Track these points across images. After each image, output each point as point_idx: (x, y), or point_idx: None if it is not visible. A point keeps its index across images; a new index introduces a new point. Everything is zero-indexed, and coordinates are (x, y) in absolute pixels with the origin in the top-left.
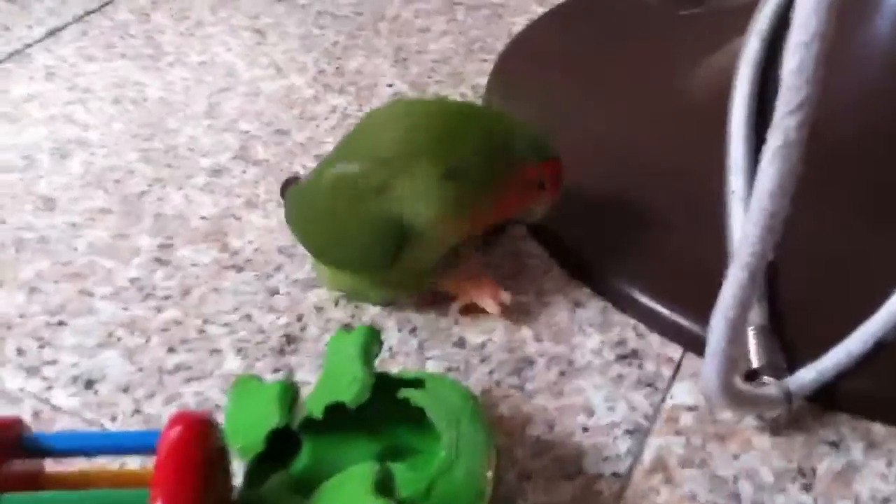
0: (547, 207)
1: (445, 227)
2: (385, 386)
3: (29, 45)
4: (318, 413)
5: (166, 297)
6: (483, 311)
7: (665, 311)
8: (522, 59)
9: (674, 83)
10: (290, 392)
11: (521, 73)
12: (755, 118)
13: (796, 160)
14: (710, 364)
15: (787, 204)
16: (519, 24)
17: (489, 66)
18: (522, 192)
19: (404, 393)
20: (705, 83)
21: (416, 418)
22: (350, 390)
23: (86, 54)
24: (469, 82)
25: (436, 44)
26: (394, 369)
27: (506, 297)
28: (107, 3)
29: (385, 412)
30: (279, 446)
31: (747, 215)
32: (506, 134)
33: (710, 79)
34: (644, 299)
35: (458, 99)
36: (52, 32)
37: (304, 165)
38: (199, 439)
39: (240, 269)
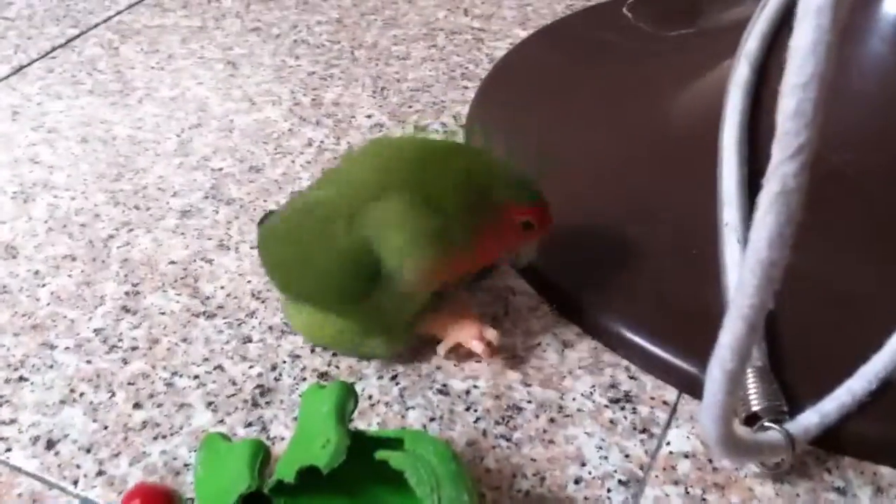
0: (535, 250)
1: (419, 264)
2: (362, 445)
3: None
4: (290, 477)
5: (133, 349)
6: (469, 352)
7: (658, 351)
8: (505, 85)
9: (661, 109)
10: (260, 452)
11: (503, 100)
12: (747, 146)
13: (795, 207)
14: (707, 414)
15: (787, 252)
16: (501, 49)
17: (471, 94)
18: (507, 235)
19: (382, 455)
20: (693, 109)
21: (396, 478)
22: (324, 454)
23: (52, 92)
24: (450, 111)
25: (415, 71)
26: (374, 419)
27: (492, 334)
28: (74, 38)
29: (362, 472)
30: None
31: (744, 264)
32: (487, 174)
33: (698, 104)
34: (636, 339)
35: (439, 128)
36: (17, 70)
37: (277, 203)
38: None
39: (211, 316)
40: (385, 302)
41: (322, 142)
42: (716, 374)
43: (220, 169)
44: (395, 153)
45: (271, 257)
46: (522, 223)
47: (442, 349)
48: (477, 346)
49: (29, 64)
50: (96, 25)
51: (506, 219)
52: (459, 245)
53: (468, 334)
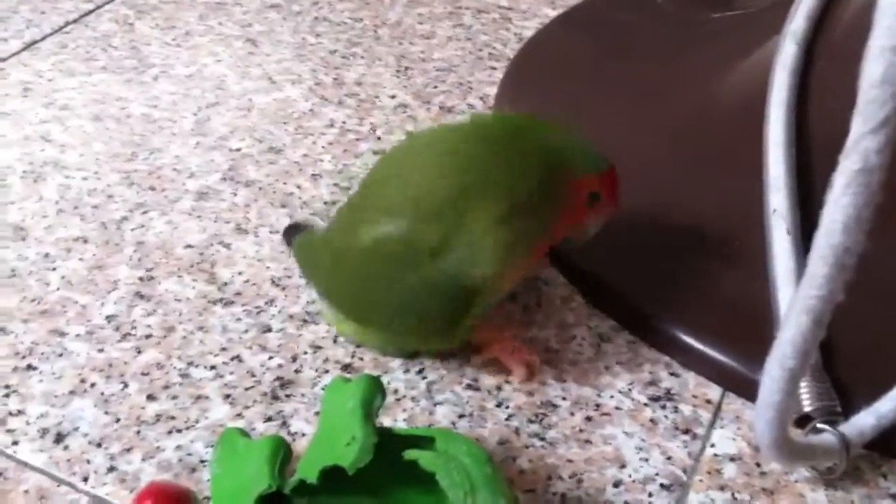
0: (601, 224)
1: (508, 275)
2: (390, 443)
3: (4, 60)
4: (312, 478)
5: (147, 337)
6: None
7: (701, 347)
8: (534, 67)
9: (700, 92)
10: (281, 450)
11: (532, 82)
12: (795, 129)
13: (875, 187)
14: (762, 415)
15: (863, 238)
16: (529, 28)
17: (499, 75)
18: (577, 211)
19: (412, 454)
20: (735, 93)
21: (426, 480)
22: (349, 452)
23: (65, 68)
24: (477, 92)
25: (441, 51)
26: (400, 415)
27: (535, 360)
28: (88, 13)
29: (390, 473)
30: None
31: (813, 251)
32: (555, 148)
33: (741, 88)
34: (677, 333)
35: (466, 110)
36: (29, 45)
37: (298, 185)
38: None
39: (228, 304)
40: (470, 316)
41: (344, 122)
42: (774, 373)
43: (239, 149)
44: (461, 152)
45: (337, 294)
46: (590, 195)
47: (479, 361)
48: (519, 373)
49: (41, 39)
50: (111, 0)
51: (575, 194)
52: (540, 235)
53: (511, 356)
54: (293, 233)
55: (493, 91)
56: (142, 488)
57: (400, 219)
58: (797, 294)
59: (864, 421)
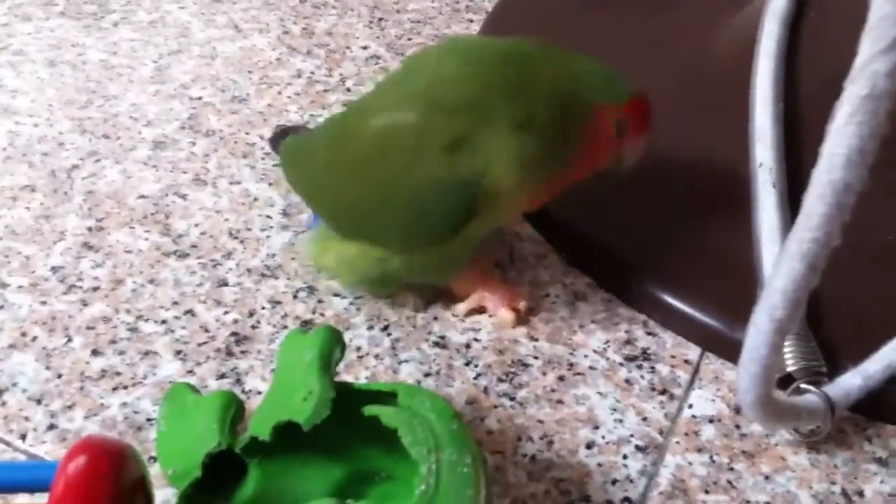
0: (639, 153)
1: (521, 191)
2: (349, 399)
3: None
4: (265, 435)
5: (94, 290)
6: (484, 311)
7: (680, 305)
8: (514, 18)
9: (688, 45)
10: (232, 406)
11: (512, 34)
12: (783, 82)
13: (883, 116)
14: (746, 372)
15: (865, 175)
16: None
17: (476, 27)
18: (604, 141)
19: (372, 410)
20: (727, 43)
21: (388, 437)
22: (305, 408)
23: (21, 13)
24: None
25: (416, 2)
26: (362, 373)
27: (522, 304)
28: None
29: (349, 430)
30: (219, 472)
31: (811, 188)
32: (583, 75)
33: (733, 38)
34: (655, 291)
35: None
36: None
37: (261, 136)
38: (107, 476)
39: (182, 256)
40: (464, 236)
41: (312, 73)
42: (762, 324)
43: (200, 98)
44: (480, 60)
45: (325, 196)
46: (618, 124)
47: (464, 308)
48: (507, 316)
49: None
50: None
51: (601, 122)
52: (561, 162)
53: (499, 299)
54: (282, 136)
55: None
56: (75, 443)
57: (414, 108)
58: (790, 238)
59: (851, 382)
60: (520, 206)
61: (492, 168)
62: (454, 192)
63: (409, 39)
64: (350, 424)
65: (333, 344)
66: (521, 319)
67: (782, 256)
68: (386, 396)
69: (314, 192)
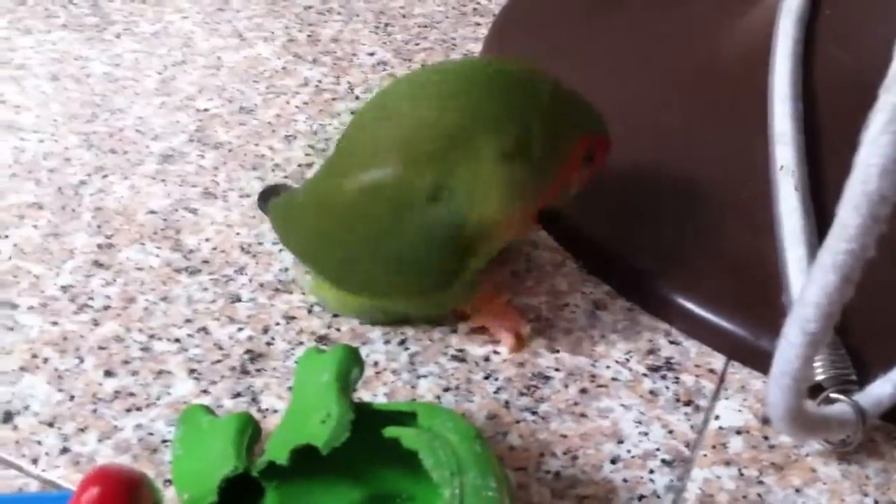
0: (580, 188)
1: (512, 221)
2: (368, 420)
3: None
4: (282, 459)
5: (105, 308)
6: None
7: (703, 313)
8: (521, 21)
9: (703, 43)
10: (249, 428)
11: (520, 38)
12: (801, 81)
13: None
14: (777, 385)
15: None
16: None
17: (483, 31)
18: (572, 169)
19: (392, 432)
20: (740, 42)
21: (408, 459)
22: (323, 430)
23: (22, 26)
24: (461, 49)
25: (423, 6)
26: (380, 389)
27: (526, 329)
28: None
29: (368, 452)
30: (236, 496)
31: (845, 199)
32: (568, 101)
33: (746, 37)
34: (678, 299)
35: None
36: None
37: (270, 147)
38: None
39: (194, 272)
40: (467, 271)
41: (320, 81)
42: (793, 337)
43: (206, 110)
44: (458, 91)
45: (315, 257)
46: (586, 155)
47: (466, 328)
48: (507, 340)
49: None
50: None
51: (578, 149)
52: (545, 183)
53: (501, 323)
54: (269, 196)
55: (477, 48)
56: (88, 473)
57: (390, 163)
58: (823, 249)
59: (881, 390)
60: (509, 230)
61: (478, 203)
62: (442, 239)
63: (417, 44)
64: (369, 446)
65: (351, 363)
66: (522, 346)
67: (815, 268)
68: (406, 417)
69: (308, 256)
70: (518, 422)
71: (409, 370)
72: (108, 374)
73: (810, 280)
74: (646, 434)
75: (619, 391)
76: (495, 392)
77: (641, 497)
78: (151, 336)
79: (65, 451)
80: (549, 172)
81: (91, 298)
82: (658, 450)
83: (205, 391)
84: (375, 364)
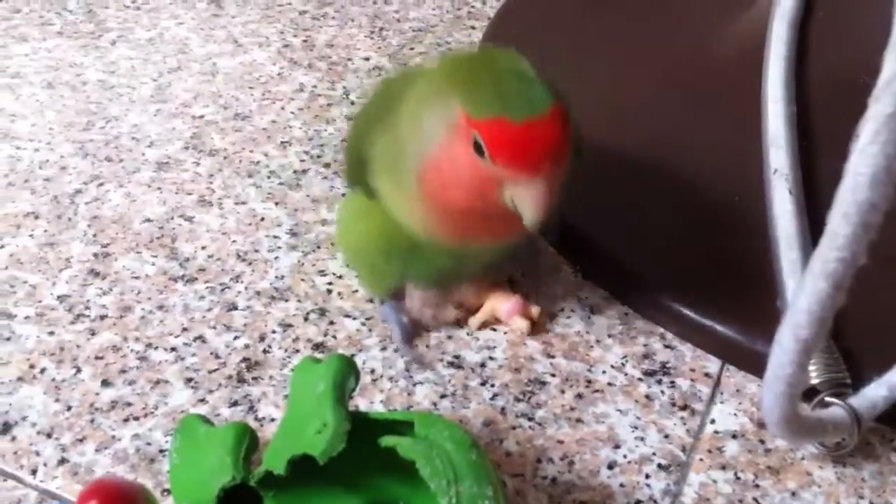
0: (536, 205)
1: (402, 193)
2: (365, 429)
3: None
4: (279, 468)
5: (101, 318)
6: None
7: (698, 317)
8: (516, 24)
9: (696, 45)
10: (246, 437)
11: (514, 42)
12: (795, 83)
13: None
14: (771, 391)
15: (892, 192)
16: None
17: (478, 35)
18: (460, 146)
19: (389, 441)
20: (733, 45)
21: (405, 468)
22: (320, 440)
23: (17, 34)
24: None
25: (417, 10)
26: (376, 396)
27: (535, 310)
28: None
29: (365, 460)
30: None
31: (836, 207)
32: (457, 73)
33: (739, 39)
34: (672, 303)
35: None
36: None
37: (266, 153)
38: None
39: (190, 281)
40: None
41: (315, 86)
42: (786, 343)
43: (202, 116)
44: (393, 93)
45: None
46: (474, 139)
47: (476, 321)
48: (522, 324)
49: None
50: None
51: (458, 132)
52: (412, 172)
53: (511, 308)
54: None
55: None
56: (86, 486)
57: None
58: (815, 256)
59: (876, 393)
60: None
61: (375, 174)
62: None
63: (412, 49)
64: (367, 455)
65: (347, 373)
66: (538, 328)
67: (807, 275)
68: (403, 426)
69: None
70: (514, 428)
71: (405, 377)
72: (106, 383)
73: (802, 287)
74: (642, 439)
75: (615, 396)
76: (491, 398)
77: (638, 502)
78: (148, 345)
79: (63, 461)
80: (421, 145)
81: (87, 308)
82: (654, 454)
83: (202, 400)
84: (372, 371)
